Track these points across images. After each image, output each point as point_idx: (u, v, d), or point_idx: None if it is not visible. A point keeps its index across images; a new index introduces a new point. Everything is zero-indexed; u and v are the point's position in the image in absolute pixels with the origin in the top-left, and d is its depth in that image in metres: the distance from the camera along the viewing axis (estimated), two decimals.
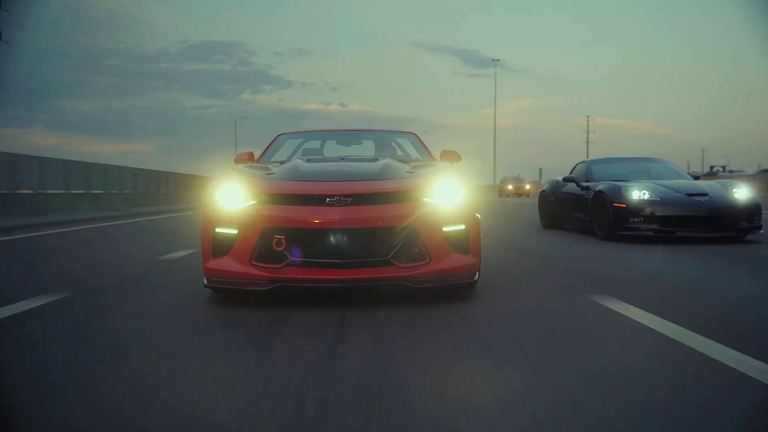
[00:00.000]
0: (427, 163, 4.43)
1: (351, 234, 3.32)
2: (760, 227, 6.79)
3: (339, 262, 3.32)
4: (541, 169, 61.76)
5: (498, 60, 76.49)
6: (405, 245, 3.36)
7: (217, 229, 3.45)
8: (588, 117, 72.59)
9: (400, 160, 4.40)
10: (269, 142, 5.38)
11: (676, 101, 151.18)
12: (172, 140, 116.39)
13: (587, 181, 8.05)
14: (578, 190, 8.12)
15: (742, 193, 6.89)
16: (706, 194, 6.85)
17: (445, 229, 3.44)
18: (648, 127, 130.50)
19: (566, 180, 8.62)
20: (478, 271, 3.65)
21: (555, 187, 9.13)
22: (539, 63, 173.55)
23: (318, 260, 3.33)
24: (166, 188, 26.39)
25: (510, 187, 44.58)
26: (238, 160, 4.63)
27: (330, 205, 3.34)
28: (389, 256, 3.35)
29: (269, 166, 4.20)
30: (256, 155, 4.93)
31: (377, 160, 4.19)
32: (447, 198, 3.49)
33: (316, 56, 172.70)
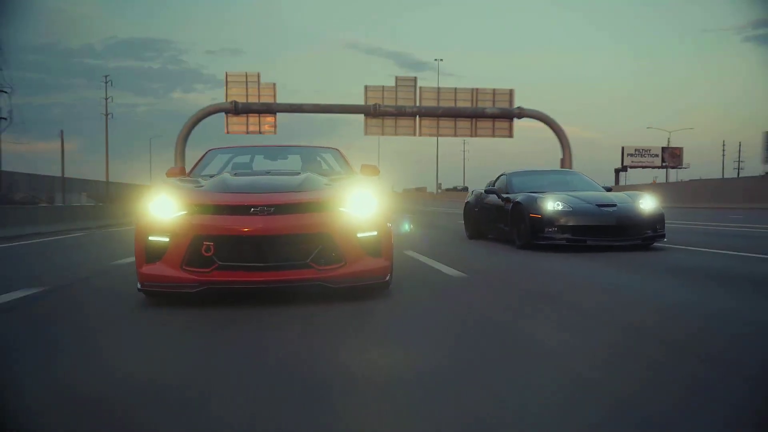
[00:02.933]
0: (346, 176, 4.89)
1: (273, 240, 3.76)
2: (663, 236, 7.32)
3: (262, 266, 3.76)
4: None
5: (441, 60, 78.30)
6: (322, 250, 3.82)
7: (150, 237, 3.82)
8: (464, 140, 68.11)
9: (323, 174, 4.87)
10: (199, 150, 5.51)
11: (603, 105, 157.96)
12: (97, 139, 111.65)
13: (507, 193, 8.43)
14: (499, 201, 8.54)
15: (647, 203, 7.43)
16: (614, 205, 7.34)
17: (359, 235, 3.90)
18: (575, 131, 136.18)
19: (488, 191, 9.04)
20: (391, 273, 4.16)
21: (478, 198, 9.50)
22: (472, 67, 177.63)
23: (243, 264, 3.76)
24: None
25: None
26: (170, 174, 4.94)
27: (254, 214, 3.75)
28: (308, 260, 3.80)
29: (199, 179, 4.60)
30: (188, 169, 5.28)
31: (299, 173, 4.63)
32: (361, 207, 3.96)
33: (249, 56, 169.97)
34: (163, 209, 3.82)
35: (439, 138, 36.79)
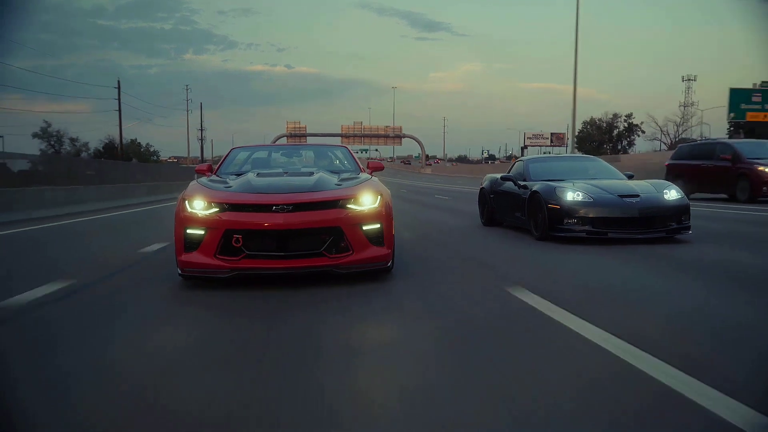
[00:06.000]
0: (353, 175, 5.60)
1: (292, 233, 4.52)
2: (689, 228, 6.97)
3: (283, 255, 4.52)
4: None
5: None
6: (333, 241, 4.58)
7: (188, 230, 4.58)
8: (444, 117, 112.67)
9: (333, 171, 5.78)
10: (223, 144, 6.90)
11: (619, 67, 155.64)
12: (108, 102, 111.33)
13: (524, 180, 8.12)
14: (516, 189, 8.28)
15: (672, 194, 7.08)
16: (637, 195, 7.06)
17: (364, 227, 4.65)
18: (591, 93, 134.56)
19: (504, 179, 8.72)
20: (392, 259, 4.96)
21: (494, 184, 9.19)
22: (485, 27, 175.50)
23: (267, 253, 4.54)
24: None
25: None
26: (198, 170, 5.86)
27: (276, 211, 4.52)
28: (321, 249, 4.56)
29: (227, 179, 5.35)
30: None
31: (312, 174, 5.34)
32: (366, 204, 4.73)
33: (261, 16, 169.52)
34: (198, 206, 4.59)
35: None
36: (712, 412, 2.15)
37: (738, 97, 33.96)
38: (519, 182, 8.41)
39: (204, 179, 5.37)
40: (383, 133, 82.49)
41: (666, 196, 7.26)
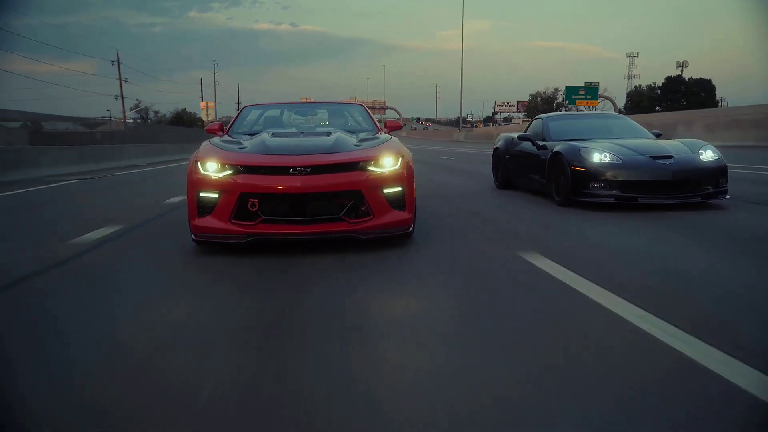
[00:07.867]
0: (372, 135, 5.34)
1: (310, 197, 4.35)
2: (725, 191, 6.36)
3: (301, 219, 4.35)
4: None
5: None
6: (353, 205, 4.41)
7: (201, 194, 4.40)
8: (437, 85, 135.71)
9: (350, 131, 5.50)
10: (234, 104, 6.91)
11: (627, 25, 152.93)
12: (110, 62, 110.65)
13: (544, 140, 7.48)
14: (534, 150, 7.66)
15: (708, 154, 6.46)
16: (670, 156, 6.41)
17: (385, 191, 4.46)
18: (597, 51, 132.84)
19: (521, 138, 8.06)
20: (413, 224, 4.74)
21: (510, 144, 8.55)
22: None
23: (284, 218, 4.36)
24: None
25: None
26: (209, 130, 5.71)
27: (293, 174, 4.31)
28: (341, 214, 4.40)
29: (241, 140, 5.11)
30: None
31: (330, 134, 5.07)
32: (387, 166, 4.51)
33: None
34: (212, 168, 4.40)
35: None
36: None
37: (571, 92, 51.89)
38: (538, 142, 7.79)
39: (216, 139, 5.18)
40: (371, 105, 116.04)
41: (702, 157, 6.65)
